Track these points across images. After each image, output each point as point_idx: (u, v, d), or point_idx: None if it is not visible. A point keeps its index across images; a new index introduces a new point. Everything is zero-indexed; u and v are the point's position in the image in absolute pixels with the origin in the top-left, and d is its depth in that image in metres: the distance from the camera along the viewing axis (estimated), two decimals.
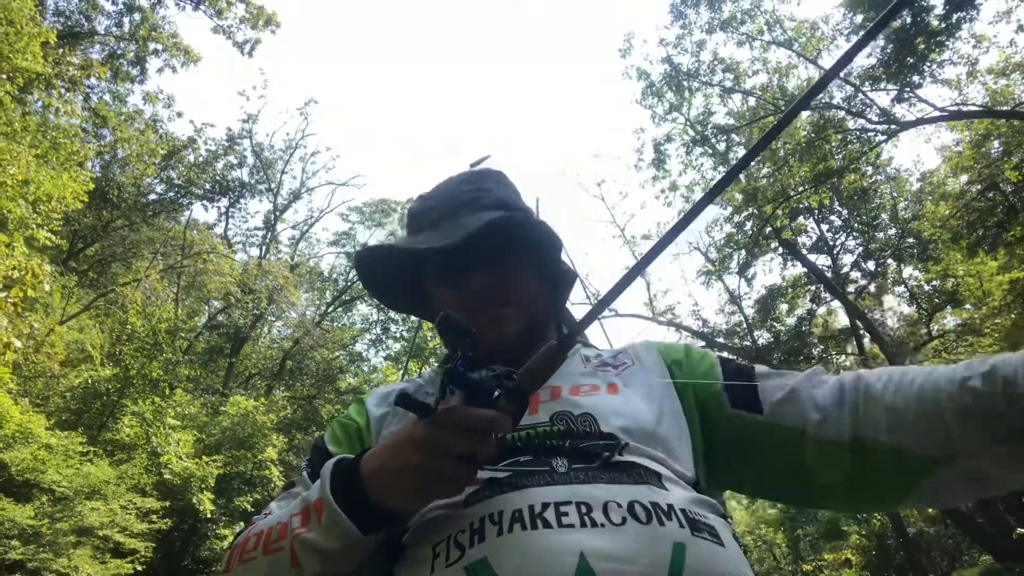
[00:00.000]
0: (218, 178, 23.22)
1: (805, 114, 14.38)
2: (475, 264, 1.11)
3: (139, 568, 11.54)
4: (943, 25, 11.07)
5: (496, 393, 0.79)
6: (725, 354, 1.20)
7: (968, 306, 18.35)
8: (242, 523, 15.78)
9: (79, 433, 11.42)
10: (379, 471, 0.81)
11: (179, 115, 20.99)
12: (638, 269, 0.86)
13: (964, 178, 15.67)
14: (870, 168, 16.59)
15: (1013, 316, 11.93)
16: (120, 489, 11.34)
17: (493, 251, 1.11)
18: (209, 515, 14.06)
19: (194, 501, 13.42)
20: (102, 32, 14.30)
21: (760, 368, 1.07)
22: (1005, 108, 12.90)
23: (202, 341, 21.53)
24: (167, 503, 12.39)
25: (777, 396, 0.99)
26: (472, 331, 0.82)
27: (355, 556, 0.84)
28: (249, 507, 16.07)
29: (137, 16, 14.12)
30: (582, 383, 1.05)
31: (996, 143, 13.78)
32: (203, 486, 13.67)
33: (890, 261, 20.55)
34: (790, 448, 0.96)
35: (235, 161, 23.63)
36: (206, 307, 22.82)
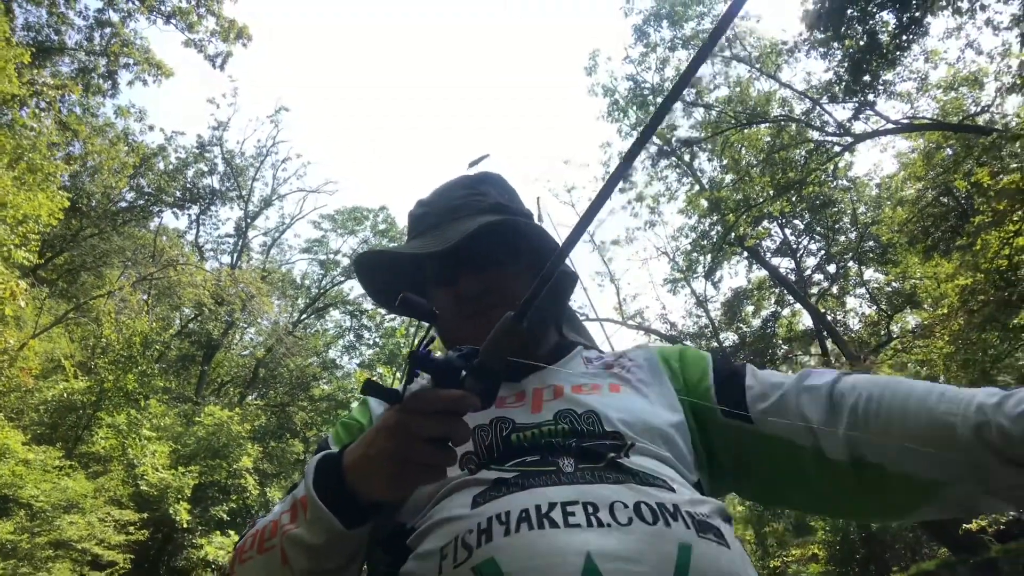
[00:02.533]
0: (188, 186, 23.14)
1: (765, 126, 14.86)
2: (467, 267, 1.13)
3: None
4: (894, 43, 11.52)
5: (463, 373, 0.80)
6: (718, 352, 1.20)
7: (927, 307, 18.90)
8: (218, 532, 15.90)
9: (57, 448, 11.45)
10: (357, 462, 0.82)
11: (151, 128, 20.84)
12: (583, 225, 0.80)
13: (920, 184, 16.19)
14: (830, 175, 17.07)
15: (960, 321, 12.40)
16: (98, 502, 11.38)
17: (485, 254, 1.13)
18: (185, 525, 14.13)
19: (171, 512, 13.49)
20: (72, 46, 14.29)
21: (752, 372, 1.07)
22: (954, 122, 13.43)
23: (174, 349, 21.45)
24: (144, 515, 12.46)
25: (765, 404, 0.99)
26: (435, 313, 0.84)
27: (342, 551, 0.85)
28: (225, 516, 16.13)
29: (108, 30, 14.13)
30: (584, 382, 1.06)
31: (948, 151, 14.26)
32: (179, 496, 13.75)
33: (851, 264, 21.12)
34: (783, 459, 0.97)
35: (206, 168, 23.57)
36: (177, 314, 22.75)
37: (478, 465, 0.91)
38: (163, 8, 14.13)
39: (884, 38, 11.56)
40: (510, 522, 0.79)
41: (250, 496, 17.19)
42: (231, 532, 16.17)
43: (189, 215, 23.59)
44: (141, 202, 21.61)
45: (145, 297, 18.42)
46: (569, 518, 0.77)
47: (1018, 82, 10.47)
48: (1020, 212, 10.89)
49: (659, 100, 15.54)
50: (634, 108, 15.80)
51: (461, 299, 1.13)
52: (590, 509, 0.79)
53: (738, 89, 15.42)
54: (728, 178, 16.38)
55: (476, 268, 1.13)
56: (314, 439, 21.73)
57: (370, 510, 0.84)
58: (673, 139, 15.89)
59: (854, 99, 12.45)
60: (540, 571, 0.73)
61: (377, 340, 23.41)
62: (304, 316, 25.21)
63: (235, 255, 24.47)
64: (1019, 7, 10.12)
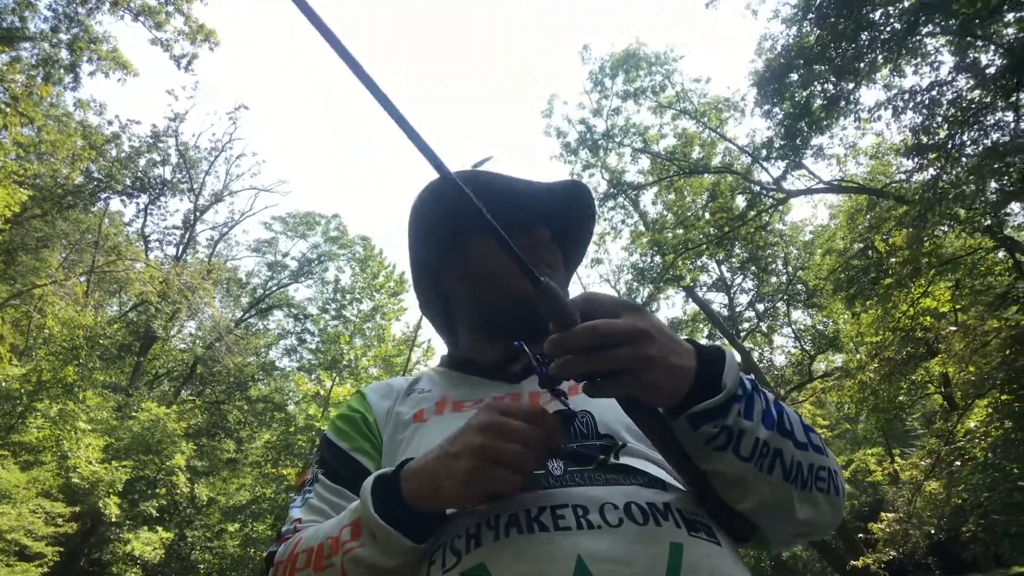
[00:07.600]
0: (140, 174, 22.81)
1: (709, 177, 15.79)
2: (548, 222, 1.14)
3: (44, 571, 11.62)
4: (826, 110, 12.37)
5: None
6: None
7: (848, 352, 19.94)
8: (146, 528, 15.86)
9: None
10: (425, 469, 0.80)
11: (109, 123, 20.53)
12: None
13: (846, 238, 17.21)
14: (765, 223, 18.03)
15: (871, 373, 13.30)
16: (30, 493, 11.40)
17: (564, 211, 1.13)
18: (114, 519, 14.12)
19: (100, 505, 13.49)
20: (37, 34, 14.11)
21: None
22: (879, 185, 14.45)
23: (111, 337, 21.12)
24: (77, 508, 12.45)
25: None
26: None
27: (407, 567, 0.81)
28: (154, 512, 16.10)
29: (74, 24, 14.02)
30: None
31: (875, 208, 15.24)
32: (110, 490, 13.75)
33: (780, 304, 22.17)
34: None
35: (158, 158, 23.21)
36: (116, 300, 22.34)
37: None
38: (131, 5, 14.14)
39: (817, 104, 12.40)
40: (499, 526, 0.79)
41: (180, 493, 17.18)
42: (159, 528, 16.17)
43: (137, 203, 23.22)
44: (90, 187, 21.20)
45: (83, 280, 18.15)
46: (559, 521, 0.77)
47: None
48: (924, 276, 11.88)
49: (609, 146, 16.33)
50: (587, 150, 16.48)
51: (528, 244, 1.11)
52: (580, 511, 0.78)
53: (683, 140, 16.27)
54: (669, 216, 17.20)
55: (552, 226, 1.15)
56: (247, 437, 21.61)
57: (435, 521, 0.83)
58: (621, 179, 16.63)
59: (785, 160, 13.27)
60: None
61: (319, 345, 23.37)
62: (247, 315, 25.05)
63: (181, 247, 24.16)
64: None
